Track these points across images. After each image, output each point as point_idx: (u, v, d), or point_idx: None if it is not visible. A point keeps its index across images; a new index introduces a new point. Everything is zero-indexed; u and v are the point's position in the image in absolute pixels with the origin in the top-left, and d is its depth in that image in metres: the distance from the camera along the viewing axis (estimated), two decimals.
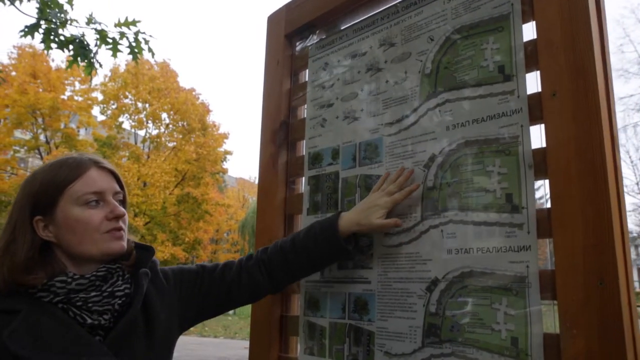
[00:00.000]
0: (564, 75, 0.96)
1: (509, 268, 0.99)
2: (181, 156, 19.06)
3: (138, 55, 3.69)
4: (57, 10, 3.55)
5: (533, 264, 0.96)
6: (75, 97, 17.75)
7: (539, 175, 0.99)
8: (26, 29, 3.54)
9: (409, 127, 1.24)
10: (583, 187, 0.90)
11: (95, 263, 1.02)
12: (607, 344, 0.83)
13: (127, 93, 18.95)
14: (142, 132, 20.19)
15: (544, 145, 0.98)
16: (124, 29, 3.63)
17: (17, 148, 17.36)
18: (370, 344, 1.21)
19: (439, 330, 1.08)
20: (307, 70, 1.59)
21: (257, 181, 1.87)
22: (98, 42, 3.62)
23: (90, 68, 3.69)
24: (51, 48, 3.60)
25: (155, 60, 19.44)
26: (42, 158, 17.18)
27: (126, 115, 19.29)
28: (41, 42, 3.58)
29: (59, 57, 26.58)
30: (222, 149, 20.74)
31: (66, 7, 3.59)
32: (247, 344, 1.67)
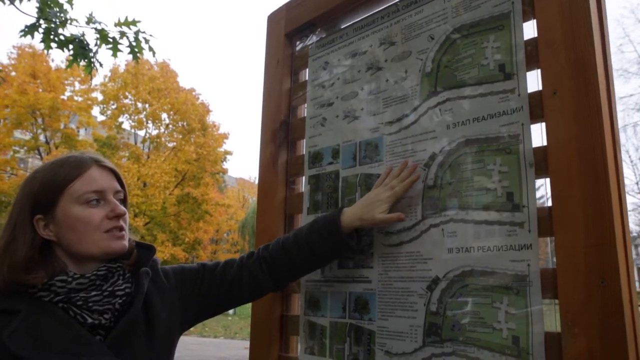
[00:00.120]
0: (565, 74, 0.96)
1: (510, 267, 0.99)
2: (181, 156, 19.06)
3: (138, 55, 3.68)
4: (57, 9, 3.54)
5: (534, 262, 0.96)
6: (75, 97, 17.74)
7: (540, 173, 0.99)
8: (26, 29, 3.53)
9: (409, 126, 1.24)
10: (584, 185, 0.90)
11: (96, 262, 1.01)
12: (609, 343, 0.83)
13: (127, 93, 18.95)
14: (142, 133, 20.20)
15: (545, 143, 0.98)
16: (124, 29, 3.62)
17: (17, 148, 17.34)
18: (370, 343, 1.21)
19: (439, 330, 1.08)
20: (307, 70, 1.59)
21: (257, 181, 1.86)
22: (98, 42, 3.61)
23: (90, 68, 3.68)
24: (51, 48, 3.59)
25: (155, 60, 19.48)
26: (41, 158, 17.16)
27: (126, 115, 19.30)
28: (41, 41, 3.57)
29: (58, 57, 26.61)
30: (222, 149, 20.75)
31: (66, 6, 3.59)
32: (247, 344, 1.67)
